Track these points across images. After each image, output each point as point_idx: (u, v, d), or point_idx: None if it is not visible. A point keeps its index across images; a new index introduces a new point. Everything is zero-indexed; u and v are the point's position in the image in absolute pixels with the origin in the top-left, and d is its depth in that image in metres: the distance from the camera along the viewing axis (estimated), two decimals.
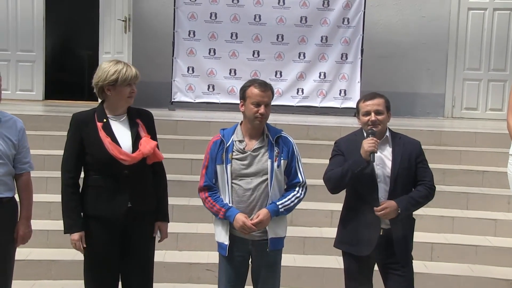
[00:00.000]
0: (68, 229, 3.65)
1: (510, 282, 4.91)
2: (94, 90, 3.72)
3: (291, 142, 3.78)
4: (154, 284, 4.45)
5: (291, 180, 3.76)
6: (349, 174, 3.69)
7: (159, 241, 3.87)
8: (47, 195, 4.92)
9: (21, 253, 4.59)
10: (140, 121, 3.72)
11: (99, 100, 3.78)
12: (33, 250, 5.01)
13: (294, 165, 3.76)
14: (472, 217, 5.73)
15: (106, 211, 3.60)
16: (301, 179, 3.77)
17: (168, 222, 3.89)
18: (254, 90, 3.67)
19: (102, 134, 3.58)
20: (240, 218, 3.62)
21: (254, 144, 3.71)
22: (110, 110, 3.70)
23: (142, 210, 3.69)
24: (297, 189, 3.76)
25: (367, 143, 3.65)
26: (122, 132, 3.66)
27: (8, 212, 3.72)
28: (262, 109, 3.66)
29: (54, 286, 4.82)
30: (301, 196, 3.77)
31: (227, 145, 3.70)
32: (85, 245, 3.63)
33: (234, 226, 3.65)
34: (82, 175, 3.70)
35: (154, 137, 3.77)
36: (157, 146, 3.73)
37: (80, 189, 3.69)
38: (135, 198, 3.62)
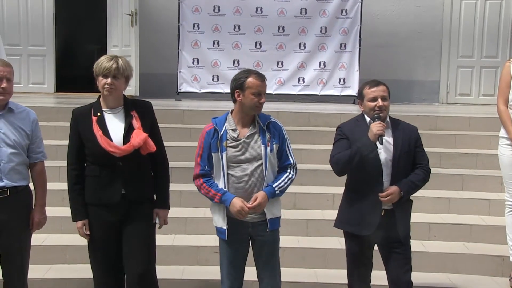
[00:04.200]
0: (74, 218, 3.74)
1: (503, 258, 4.93)
2: None
3: (280, 126, 3.80)
4: (164, 267, 4.51)
5: (282, 163, 3.79)
6: (357, 157, 3.67)
7: (159, 227, 3.87)
8: (60, 184, 4.90)
9: (38, 238, 4.65)
10: (135, 112, 3.71)
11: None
12: (48, 235, 5.06)
13: (285, 148, 3.78)
14: (467, 198, 5.73)
15: (103, 199, 3.66)
16: (292, 161, 3.80)
17: (168, 209, 3.88)
18: (254, 81, 3.67)
19: (95, 128, 3.62)
20: (237, 202, 3.62)
21: (247, 131, 3.71)
22: (103, 103, 3.71)
23: (137, 197, 3.71)
24: (288, 170, 3.78)
25: (376, 127, 3.64)
26: (115, 125, 3.66)
27: (23, 200, 3.74)
28: (263, 99, 3.69)
29: (69, 269, 4.85)
30: (293, 176, 3.80)
31: (221, 133, 3.70)
32: (88, 232, 3.70)
33: (230, 210, 3.65)
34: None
35: (152, 127, 3.77)
36: (161, 137, 3.77)
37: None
38: (129, 186, 3.66)
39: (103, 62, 3.64)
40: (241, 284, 3.86)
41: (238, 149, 3.68)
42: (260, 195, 3.64)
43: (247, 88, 3.66)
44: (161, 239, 4.45)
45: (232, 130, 3.71)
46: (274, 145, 3.71)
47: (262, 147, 3.67)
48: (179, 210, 5.53)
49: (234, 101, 3.74)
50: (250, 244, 3.85)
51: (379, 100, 3.73)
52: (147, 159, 3.77)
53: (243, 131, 3.72)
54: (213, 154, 3.69)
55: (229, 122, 3.74)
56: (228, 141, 3.67)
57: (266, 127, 3.72)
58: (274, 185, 3.69)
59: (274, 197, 3.71)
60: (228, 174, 3.67)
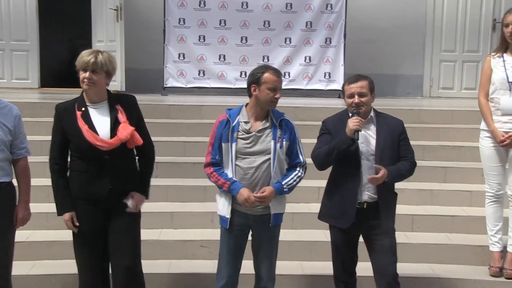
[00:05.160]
0: (60, 211, 3.69)
1: (483, 247, 4.98)
2: None
3: (293, 125, 3.86)
4: (151, 261, 4.49)
5: (292, 161, 3.83)
6: (335, 151, 3.70)
7: (127, 209, 3.70)
8: (45, 179, 4.82)
9: (22, 235, 4.63)
10: (120, 106, 3.69)
11: None
12: (33, 232, 4.98)
13: (296, 146, 3.83)
14: (450, 190, 5.76)
15: (89, 194, 3.63)
16: (301, 160, 3.84)
17: (146, 197, 3.82)
18: (271, 76, 3.73)
19: (81, 122, 3.59)
20: (245, 191, 3.66)
21: (259, 125, 3.75)
22: (87, 98, 3.69)
23: (124, 191, 3.70)
24: (298, 168, 3.83)
25: (352, 122, 3.66)
26: (100, 119, 3.64)
27: (7, 196, 3.70)
28: (278, 94, 3.76)
29: (54, 265, 4.79)
30: (302, 175, 3.85)
31: (233, 124, 3.73)
32: (77, 223, 3.65)
33: (237, 199, 3.68)
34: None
35: (137, 121, 3.74)
36: (147, 129, 3.73)
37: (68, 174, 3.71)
38: (115, 180, 3.64)
39: (83, 56, 3.62)
40: (237, 275, 3.90)
41: (248, 141, 3.72)
42: (268, 189, 3.68)
43: (263, 83, 3.71)
44: (148, 233, 4.44)
45: (245, 122, 3.75)
46: (284, 142, 3.76)
47: (272, 142, 3.71)
48: (165, 204, 5.51)
49: (250, 95, 3.79)
50: (250, 237, 3.88)
51: (356, 96, 3.74)
52: (133, 153, 3.76)
53: (255, 124, 3.76)
54: (223, 144, 3.73)
55: (243, 115, 3.78)
56: (240, 133, 3.72)
57: (278, 123, 3.77)
58: (283, 182, 3.74)
59: (282, 194, 3.77)
60: (236, 165, 3.71)
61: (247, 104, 3.83)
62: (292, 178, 3.78)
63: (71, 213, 3.65)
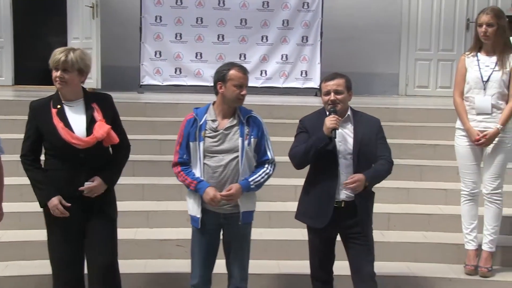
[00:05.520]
0: (46, 198, 3.57)
1: (458, 246, 5.00)
2: None
3: (260, 121, 3.82)
4: (126, 261, 4.42)
5: (260, 158, 3.81)
6: (312, 150, 3.67)
7: (80, 188, 3.58)
8: (19, 178, 4.74)
9: None
10: (96, 105, 3.64)
11: None
12: (6, 232, 4.88)
13: (264, 143, 3.80)
14: (425, 188, 5.78)
15: (65, 192, 3.57)
16: (270, 156, 3.82)
17: (107, 186, 3.67)
18: (236, 73, 3.71)
19: (56, 120, 3.54)
20: (211, 190, 3.64)
21: (226, 123, 3.73)
22: (62, 96, 3.63)
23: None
24: (266, 165, 3.81)
25: (329, 120, 3.64)
26: (76, 117, 3.59)
27: None
28: (244, 91, 3.73)
29: (28, 266, 4.69)
30: (270, 172, 3.82)
31: (200, 123, 3.72)
32: (68, 204, 3.55)
33: (203, 198, 3.66)
34: (43, 158, 3.66)
35: (113, 119, 3.70)
36: (123, 128, 3.69)
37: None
38: (91, 179, 3.59)
39: (55, 54, 3.57)
40: (210, 274, 3.88)
41: (215, 139, 3.70)
42: (234, 187, 3.66)
43: (229, 80, 3.69)
44: (123, 233, 4.36)
45: (212, 120, 3.73)
46: (252, 139, 3.73)
47: (240, 140, 3.69)
48: (141, 203, 5.46)
49: (216, 93, 3.77)
50: (222, 236, 3.87)
51: (332, 94, 3.73)
52: (109, 152, 3.72)
53: (222, 122, 3.74)
54: (191, 143, 3.71)
55: (210, 113, 3.76)
56: (207, 131, 3.70)
57: (246, 120, 3.75)
58: (250, 179, 3.72)
59: (249, 191, 3.74)
60: (204, 164, 3.69)
61: (214, 103, 3.81)
62: (259, 175, 3.76)
63: (58, 197, 3.55)
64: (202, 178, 3.69)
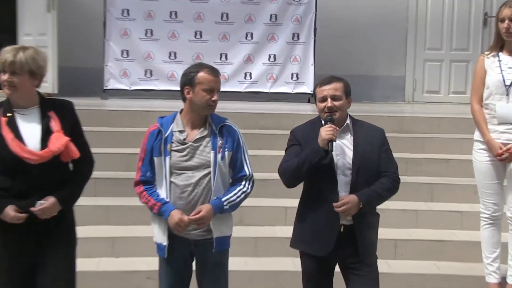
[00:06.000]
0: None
1: (477, 278, 4.99)
2: None
3: (236, 131, 3.80)
4: None
5: (236, 174, 3.78)
6: (305, 165, 3.66)
7: (31, 208, 3.51)
8: None
9: None
10: (54, 113, 3.60)
11: None
12: None
13: (240, 156, 3.78)
14: (437, 210, 5.82)
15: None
16: (247, 172, 3.79)
17: (62, 208, 3.61)
18: (206, 76, 3.69)
19: (5, 130, 3.49)
20: (176, 213, 3.61)
21: (196, 134, 3.72)
22: (13, 102, 3.59)
23: (58, 213, 3.58)
24: (243, 183, 3.78)
25: (325, 131, 3.64)
26: (30, 127, 3.55)
27: None
28: (215, 96, 3.69)
29: None
30: (248, 190, 3.79)
31: (166, 135, 3.70)
32: (29, 209, 3.48)
33: (169, 222, 3.64)
34: None
35: (74, 130, 3.65)
36: (86, 139, 3.65)
37: None
38: (44, 198, 3.52)
39: (1, 54, 3.53)
40: None
41: (183, 153, 3.68)
42: (204, 208, 3.62)
43: (197, 84, 3.67)
44: (83, 263, 4.33)
45: (179, 131, 3.71)
46: (226, 152, 3.71)
47: (212, 154, 3.67)
48: (105, 228, 5.44)
49: (184, 99, 3.75)
50: (194, 266, 3.84)
51: (329, 100, 3.73)
52: (68, 167, 3.68)
53: (191, 133, 3.72)
54: (155, 158, 3.69)
55: (177, 123, 3.74)
56: (173, 144, 3.68)
57: (218, 131, 3.73)
58: (223, 199, 3.68)
59: (223, 212, 3.70)
60: (171, 182, 3.67)
61: (182, 111, 3.79)
62: (235, 194, 3.73)
63: (11, 205, 3.47)
64: (167, 199, 3.67)
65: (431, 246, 5.42)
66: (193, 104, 3.70)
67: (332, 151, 3.66)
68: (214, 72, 3.74)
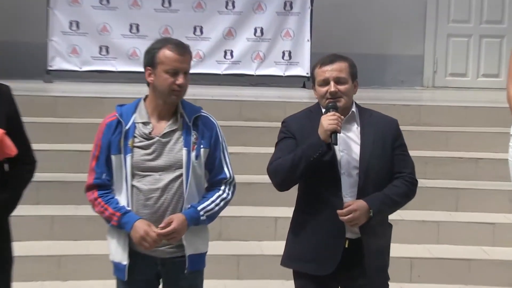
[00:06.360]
0: None
1: None
2: None
3: (214, 124, 3.80)
4: None
5: (214, 176, 3.79)
6: (302, 163, 3.67)
7: None
8: None
9: None
10: None
11: None
12: None
13: (219, 155, 3.78)
14: (464, 221, 5.86)
15: None
16: (228, 175, 3.80)
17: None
18: (168, 54, 3.64)
19: None
20: (141, 226, 3.59)
21: (164, 127, 3.71)
22: None
23: None
24: (222, 187, 3.79)
25: (328, 119, 3.64)
26: None
27: None
28: (181, 79, 3.64)
29: None
30: (228, 197, 3.80)
31: (127, 127, 3.68)
32: None
33: (132, 237, 3.63)
34: None
35: (11, 121, 3.63)
36: (25, 133, 3.67)
37: None
38: None
39: None
40: None
41: (149, 151, 3.67)
42: (176, 219, 3.61)
43: (159, 64, 3.64)
44: (23, 287, 4.34)
45: (143, 123, 3.69)
46: (202, 150, 3.71)
47: (184, 151, 3.67)
48: (49, 244, 5.45)
49: (148, 83, 3.73)
50: None
51: (332, 83, 3.74)
52: (2, 168, 3.65)
53: (158, 126, 3.71)
54: (113, 156, 3.67)
55: (140, 113, 3.72)
56: (136, 139, 3.67)
57: (192, 123, 3.72)
58: (198, 207, 3.68)
59: (198, 224, 3.70)
60: (132, 186, 3.66)
61: (146, 97, 3.79)
62: (212, 201, 3.73)
63: None
64: (129, 208, 3.66)
65: (455, 266, 5.47)
66: (156, 90, 3.69)
67: (336, 144, 3.67)
68: (179, 48, 3.68)
